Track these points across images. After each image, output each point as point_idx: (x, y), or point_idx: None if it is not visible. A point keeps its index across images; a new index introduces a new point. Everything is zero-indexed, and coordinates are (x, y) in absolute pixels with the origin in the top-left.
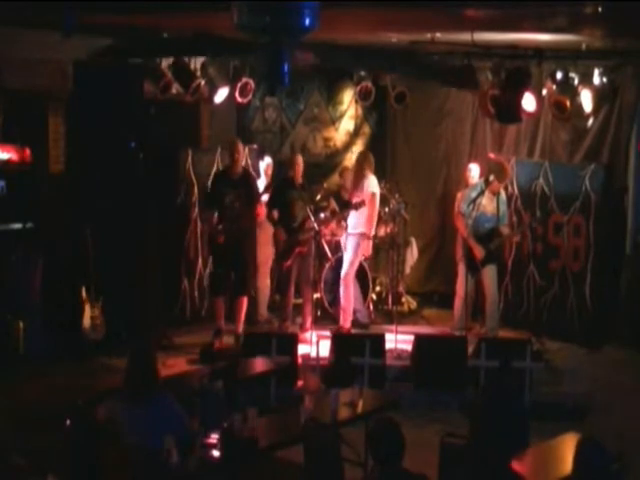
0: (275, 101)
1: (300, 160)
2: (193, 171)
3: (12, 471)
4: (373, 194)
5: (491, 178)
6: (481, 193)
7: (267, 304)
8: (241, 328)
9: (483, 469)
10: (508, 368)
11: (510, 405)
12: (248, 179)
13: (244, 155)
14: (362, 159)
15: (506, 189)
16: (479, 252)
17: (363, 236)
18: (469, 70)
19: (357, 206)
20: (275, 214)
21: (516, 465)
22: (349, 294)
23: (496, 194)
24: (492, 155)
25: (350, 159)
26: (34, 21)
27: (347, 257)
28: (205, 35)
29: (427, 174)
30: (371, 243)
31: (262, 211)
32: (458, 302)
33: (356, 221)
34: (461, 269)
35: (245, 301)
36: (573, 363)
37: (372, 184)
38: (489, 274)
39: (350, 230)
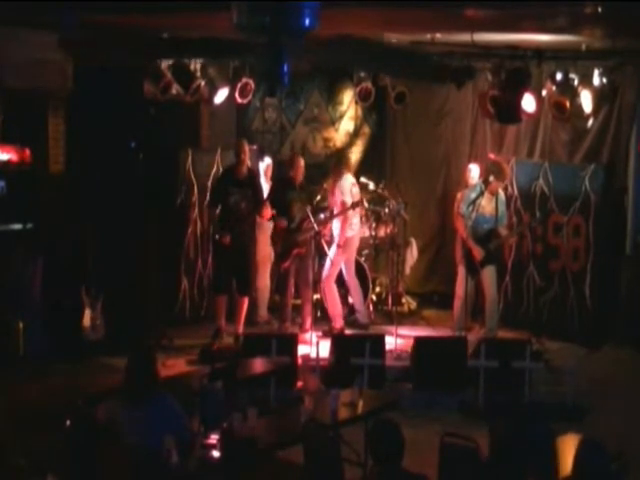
0: (275, 101)
1: (301, 161)
2: (193, 171)
3: (12, 471)
4: (342, 202)
5: (491, 179)
6: (480, 194)
7: (267, 305)
8: (241, 328)
9: None
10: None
11: (534, 432)
12: (254, 180)
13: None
14: (337, 161)
15: (506, 190)
16: (478, 253)
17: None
18: (466, 67)
19: (354, 206)
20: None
21: None
22: (331, 296)
23: (495, 194)
24: (492, 155)
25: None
26: (34, 21)
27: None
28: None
29: (427, 174)
30: (346, 249)
31: (268, 212)
32: (458, 303)
33: (335, 225)
34: (461, 270)
35: (246, 301)
36: (573, 363)
37: (343, 189)
38: (488, 274)
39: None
